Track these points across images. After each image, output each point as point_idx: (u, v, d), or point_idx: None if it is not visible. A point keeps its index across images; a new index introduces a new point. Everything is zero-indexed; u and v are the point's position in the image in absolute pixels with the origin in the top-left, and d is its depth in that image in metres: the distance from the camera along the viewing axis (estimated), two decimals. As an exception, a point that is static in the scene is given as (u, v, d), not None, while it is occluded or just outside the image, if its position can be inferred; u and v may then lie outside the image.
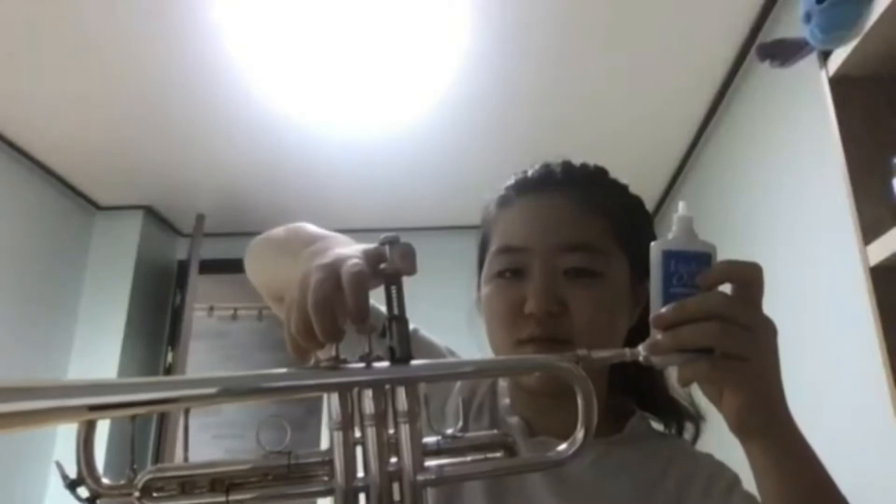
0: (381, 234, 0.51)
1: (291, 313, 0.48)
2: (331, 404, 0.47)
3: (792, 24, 1.55)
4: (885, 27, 0.96)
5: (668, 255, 0.52)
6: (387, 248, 0.50)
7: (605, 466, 0.66)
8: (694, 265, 0.51)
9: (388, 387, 0.47)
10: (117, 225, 3.11)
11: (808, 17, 1.02)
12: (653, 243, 0.53)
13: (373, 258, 0.50)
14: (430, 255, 1.09)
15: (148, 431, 2.93)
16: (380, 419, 0.47)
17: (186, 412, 0.48)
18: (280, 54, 2.07)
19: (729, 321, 0.48)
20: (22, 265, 2.66)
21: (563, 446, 0.49)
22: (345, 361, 0.47)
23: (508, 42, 2.02)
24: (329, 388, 0.47)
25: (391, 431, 0.47)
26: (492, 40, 2.02)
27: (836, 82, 1.07)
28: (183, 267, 3.14)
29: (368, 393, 0.47)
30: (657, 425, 0.76)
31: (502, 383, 0.76)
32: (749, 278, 0.51)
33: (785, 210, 1.84)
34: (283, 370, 0.47)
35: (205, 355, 4.20)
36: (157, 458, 2.78)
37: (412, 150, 2.65)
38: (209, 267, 3.08)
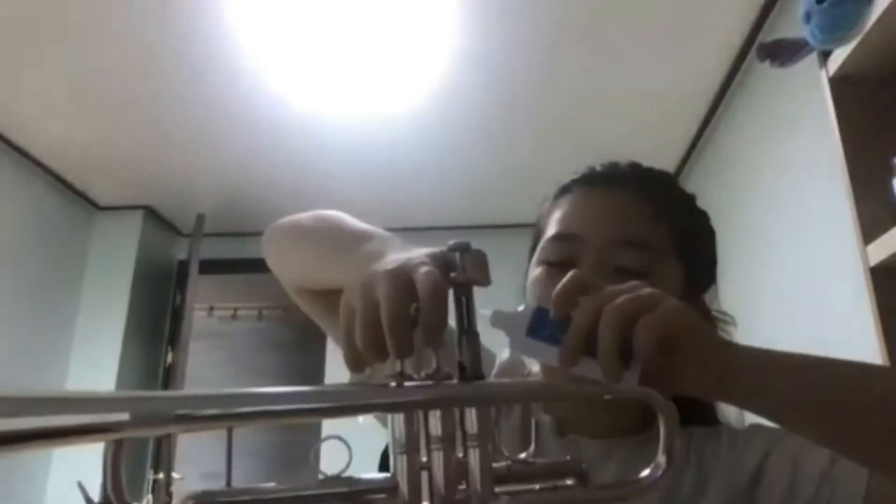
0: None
1: (356, 325, 0.44)
2: (395, 425, 0.43)
3: (792, 24, 1.55)
4: (885, 27, 0.96)
5: (532, 327, 0.48)
6: (457, 254, 0.46)
7: (635, 465, 0.66)
8: (543, 315, 0.48)
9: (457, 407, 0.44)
10: (117, 225, 3.11)
11: (808, 17, 1.02)
12: (510, 341, 0.48)
13: (443, 265, 0.46)
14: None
15: (146, 440, 2.89)
16: (448, 442, 0.43)
17: (229, 430, 0.41)
18: (280, 54, 2.07)
19: (611, 295, 0.46)
20: (22, 265, 2.66)
21: (645, 472, 0.48)
22: (410, 378, 0.43)
23: (507, 41, 2.02)
24: (395, 407, 0.43)
25: (460, 455, 0.44)
26: (489, 38, 2.01)
27: (836, 82, 1.07)
28: (183, 267, 3.14)
29: (436, 413, 0.43)
30: None
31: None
32: (576, 284, 0.48)
33: (785, 210, 1.84)
34: (344, 386, 0.44)
35: (205, 355, 4.18)
36: (157, 468, 2.75)
37: (413, 150, 2.65)
38: (209, 267, 3.08)
